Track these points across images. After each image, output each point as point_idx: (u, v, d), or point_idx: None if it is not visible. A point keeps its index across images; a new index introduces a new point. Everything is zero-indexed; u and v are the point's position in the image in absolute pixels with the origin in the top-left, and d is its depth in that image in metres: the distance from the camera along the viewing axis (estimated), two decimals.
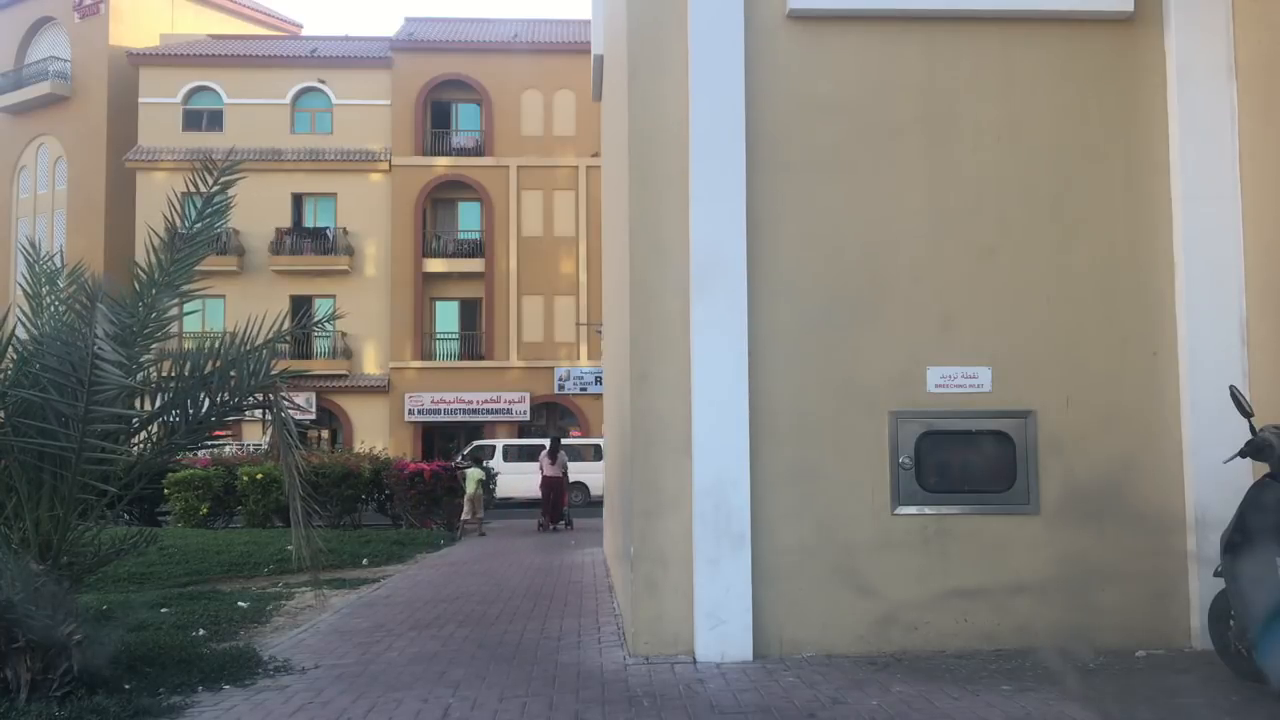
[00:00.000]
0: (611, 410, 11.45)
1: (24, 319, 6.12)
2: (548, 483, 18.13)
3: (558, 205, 34.90)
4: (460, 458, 24.33)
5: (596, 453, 24.84)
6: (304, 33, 44.20)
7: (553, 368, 34.38)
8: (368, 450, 20.09)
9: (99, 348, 5.21)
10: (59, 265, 6.76)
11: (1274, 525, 5.32)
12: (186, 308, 6.68)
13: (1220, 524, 5.75)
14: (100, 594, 9.12)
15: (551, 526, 17.81)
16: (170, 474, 17.43)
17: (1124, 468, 6.61)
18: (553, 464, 18.13)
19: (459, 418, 34.05)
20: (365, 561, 12.45)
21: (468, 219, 35.82)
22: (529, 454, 24.51)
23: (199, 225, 6.39)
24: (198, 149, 33.28)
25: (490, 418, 33.94)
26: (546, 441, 19.83)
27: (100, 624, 6.62)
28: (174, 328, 6.66)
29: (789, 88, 6.75)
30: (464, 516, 17.29)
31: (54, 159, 37.46)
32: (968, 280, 6.73)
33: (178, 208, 6.41)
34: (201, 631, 7.49)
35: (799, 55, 6.78)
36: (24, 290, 6.67)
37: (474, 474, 17.87)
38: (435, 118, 35.95)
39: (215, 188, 6.34)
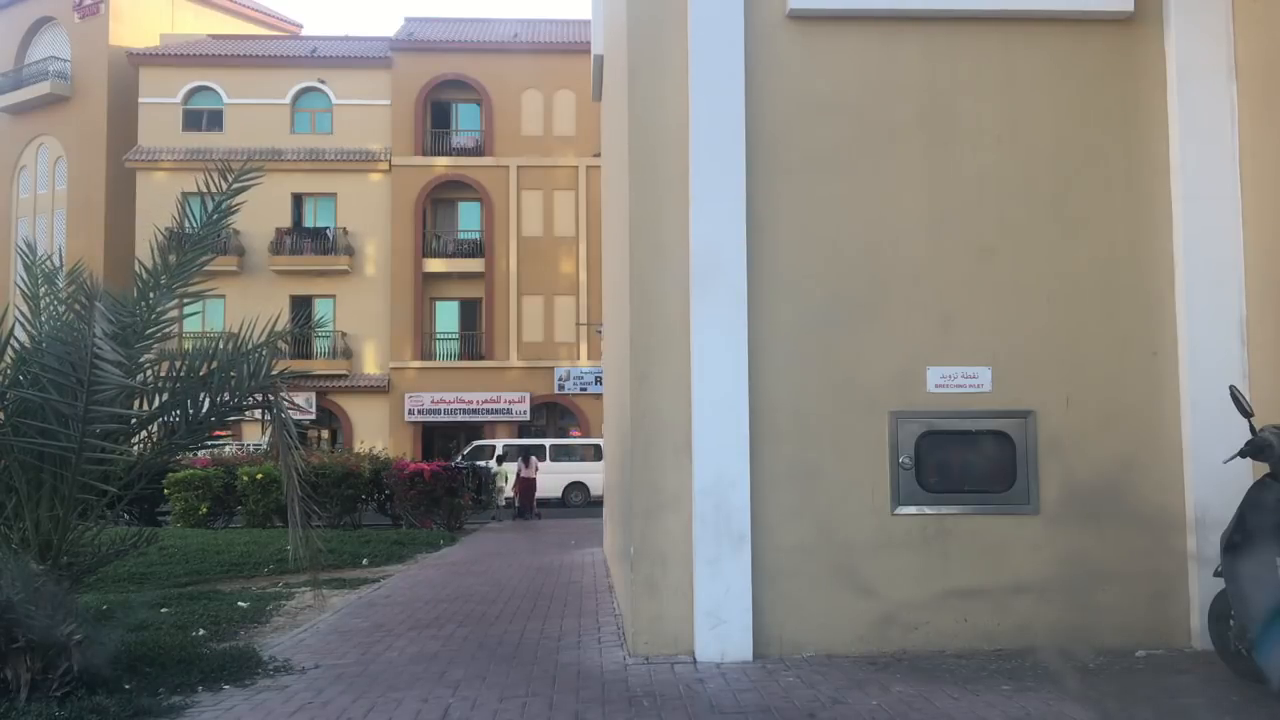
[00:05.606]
0: (611, 410, 11.45)
1: (22, 319, 6.12)
2: (525, 483, 22.81)
3: (558, 205, 34.89)
4: (460, 458, 24.45)
5: (597, 453, 25.16)
6: (304, 33, 44.19)
7: (553, 368, 34.38)
8: (368, 450, 20.10)
9: (99, 347, 5.21)
10: (58, 265, 6.75)
11: (1274, 525, 5.32)
12: (187, 308, 6.67)
13: (1220, 524, 5.75)
14: (100, 594, 9.12)
15: (528, 515, 22.09)
16: (170, 474, 17.46)
17: (1124, 468, 6.60)
18: (528, 468, 22.87)
19: (459, 418, 34.04)
20: (365, 561, 12.44)
21: (468, 219, 35.82)
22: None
23: (205, 228, 6.39)
24: (198, 149, 33.41)
25: (490, 418, 33.93)
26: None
27: (100, 624, 6.61)
28: (174, 328, 6.66)
29: (789, 88, 6.75)
30: (501, 503, 22.68)
31: (54, 159, 37.46)
32: (968, 280, 6.73)
33: (181, 208, 6.41)
34: (201, 631, 7.49)
35: (799, 55, 6.78)
36: (22, 290, 6.66)
37: (508, 469, 23.39)
38: (435, 118, 35.95)
39: (227, 193, 6.33)
